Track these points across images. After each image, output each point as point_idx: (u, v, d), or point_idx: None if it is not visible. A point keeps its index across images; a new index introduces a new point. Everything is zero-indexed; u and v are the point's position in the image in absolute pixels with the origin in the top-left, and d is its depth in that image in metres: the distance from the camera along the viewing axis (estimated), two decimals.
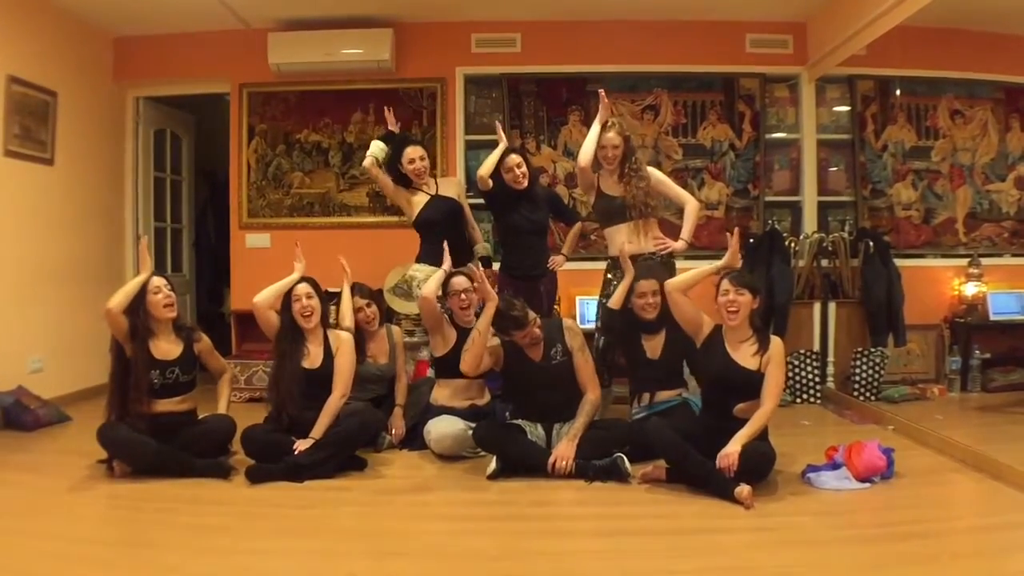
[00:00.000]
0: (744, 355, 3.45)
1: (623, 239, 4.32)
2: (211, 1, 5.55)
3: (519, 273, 4.59)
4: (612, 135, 4.31)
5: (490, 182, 4.53)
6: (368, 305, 4.41)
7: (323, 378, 3.83)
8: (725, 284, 3.47)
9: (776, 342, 3.46)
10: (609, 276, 4.44)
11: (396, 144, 4.71)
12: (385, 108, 4.97)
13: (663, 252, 4.34)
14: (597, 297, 4.55)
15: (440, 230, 4.54)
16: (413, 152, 4.64)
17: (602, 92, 4.38)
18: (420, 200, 4.69)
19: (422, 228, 4.70)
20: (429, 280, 4.16)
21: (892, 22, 4.77)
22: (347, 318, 4.23)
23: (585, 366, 3.89)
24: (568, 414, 3.79)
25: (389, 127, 4.81)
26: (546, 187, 5.55)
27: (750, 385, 3.41)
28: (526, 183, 4.56)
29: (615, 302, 4.15)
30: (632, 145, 4.43)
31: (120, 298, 3.61)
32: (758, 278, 5.38)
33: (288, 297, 3.91)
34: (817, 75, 5.98)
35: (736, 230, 3.96)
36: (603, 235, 4.61)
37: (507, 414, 4.02)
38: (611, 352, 4.39)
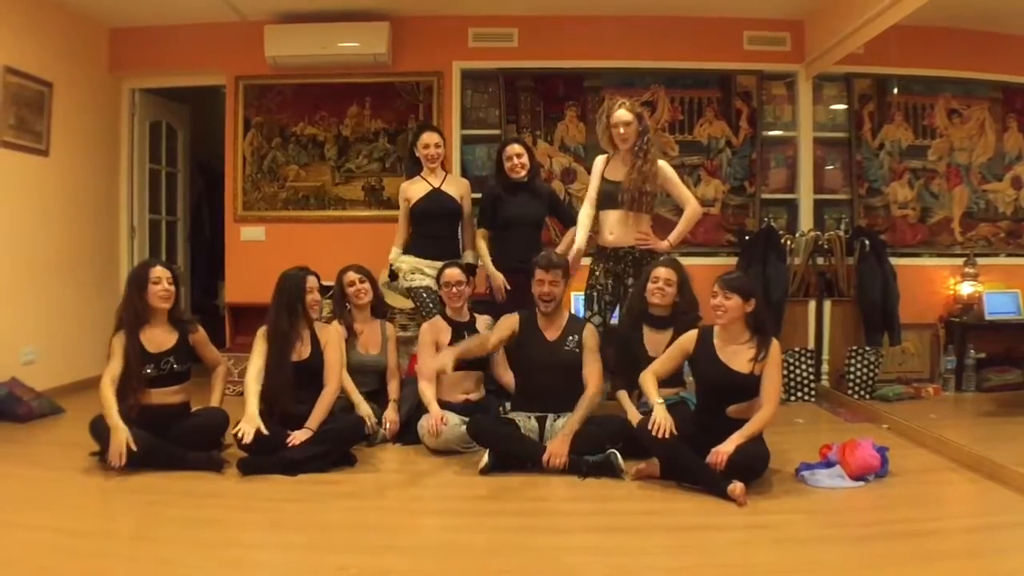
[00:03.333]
0: (739, 359, 3.43)
1: (608, 228, 4.31)
2: None
3: (508, 265, 4.56)
4: (622, 112, 4.21)
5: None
6: (361, 281, 4.44)
7: (311, 371, 3.84)
8: (715, 286, 3.47)
9: (773, 345, 3.45)
10: (593, 267, 4.42)
11: (415, 129, 4.80)
12: None
13: (643, 248, 4.29)
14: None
15: (432, 224, 4.60)
16: (429, 138, 4.70)
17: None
18: (420, 189, 4.71)
19: (416, 217, 4.73)
20: (442, 355, 3.91)
21: (890, 21, 4.76)
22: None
23: (594, 363, 3.91)
24: (563, 407, 3.80)
25: None
26: (547, 184, 5.51)
27: (743, 389, 3.41)
28: (524, 173, 4.56)
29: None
30: (646, 124, 4.29)
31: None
32: (754, 275, 5.39)
33: (299, 288, 3.91)
34: (814, 73, 5.97)
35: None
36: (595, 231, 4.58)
37: (500, 409, 4.01)
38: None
